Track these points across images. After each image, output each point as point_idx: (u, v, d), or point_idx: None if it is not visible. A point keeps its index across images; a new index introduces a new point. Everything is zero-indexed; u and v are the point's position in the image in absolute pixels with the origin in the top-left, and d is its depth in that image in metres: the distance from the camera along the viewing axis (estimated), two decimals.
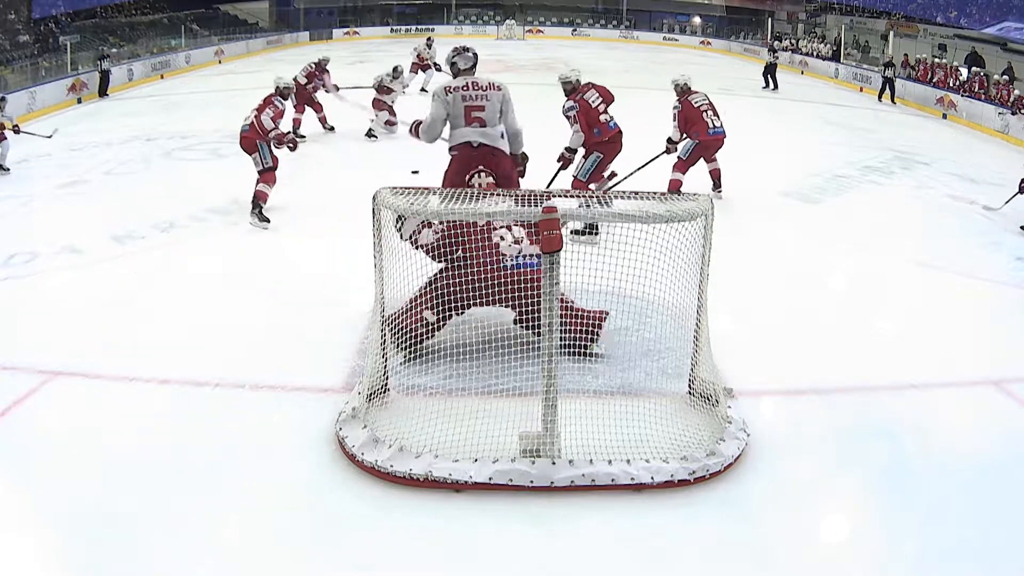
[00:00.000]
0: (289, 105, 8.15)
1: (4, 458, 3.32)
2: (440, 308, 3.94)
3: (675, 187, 7.01)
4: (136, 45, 20.09)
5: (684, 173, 7.11)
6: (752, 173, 7.01)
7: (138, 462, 3.22)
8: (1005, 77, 14.39)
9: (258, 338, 4.35)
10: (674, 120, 7.11)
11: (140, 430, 3.46)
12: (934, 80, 16.04)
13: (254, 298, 4.95)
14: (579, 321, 3.96)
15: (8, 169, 8.43)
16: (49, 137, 9.16)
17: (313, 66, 10.55)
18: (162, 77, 17.87)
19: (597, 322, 4.05)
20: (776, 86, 16.83)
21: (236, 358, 4.10)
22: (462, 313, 3.94)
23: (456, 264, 3.93)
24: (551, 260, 3.04)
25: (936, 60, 16.79)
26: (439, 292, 3.92)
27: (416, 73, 13.95)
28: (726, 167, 7.35)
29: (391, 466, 3.08)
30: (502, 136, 4.55)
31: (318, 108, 10.47)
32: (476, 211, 3.22)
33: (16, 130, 8.56)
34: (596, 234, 4.98)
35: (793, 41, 25.02)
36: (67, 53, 16.22)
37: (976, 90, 14.42)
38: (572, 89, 6.22)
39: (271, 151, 6.48)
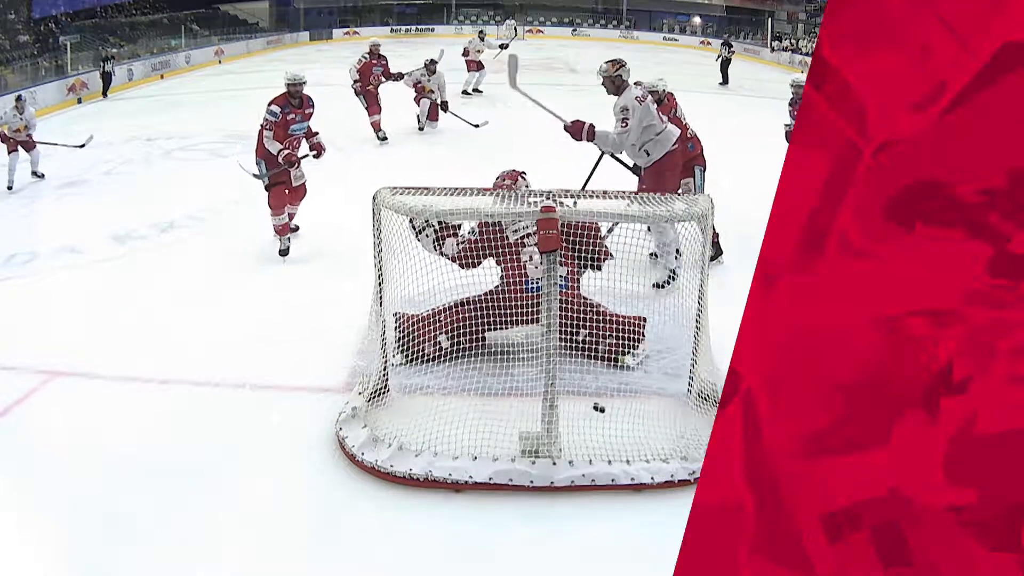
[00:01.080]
0: (315, 108, 6.30)
1: (4, 458, 3.33)
2: (457, 339, 3.82)
3: None
4: (136, 45, 20.14)
5: None
6: (752, 172, 6.98)
7: (138, 462, 3.21)
8: None
9: (258, 338, 4.34)
10: None
11: (140, 430, 3.46)
12: None
13: (254, 298, 4.96)
14: (616, 328, 3.83)
15: (43, 175, 8.30)
16: (82, 147, 8.48)
17: (366, 56, 9.52)
18: (162, 77, 17.88)
19: (637, 329, 3.88)
20: (727, 81, 16.89)
21: (236, 358, 4.10)
22: (481, 346, 3.78)
23: (481, 299, 3.75)
24: (550, 260, 3.04)
25: None
26: (460, 323, 3.78)
27: (475, 73, 13.21)
28: (726, 167, 7.31)
29: (391, 466, 3.08)
30: None
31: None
32: (475, 211, 3.22)
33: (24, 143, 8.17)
34: (721, 253, 4.94)
35: (793, 41, 25.03)
36: (67, 53, 16.24)
37: None
38: (658, 101, 5.56)
39: (266, 166, 5.62)
